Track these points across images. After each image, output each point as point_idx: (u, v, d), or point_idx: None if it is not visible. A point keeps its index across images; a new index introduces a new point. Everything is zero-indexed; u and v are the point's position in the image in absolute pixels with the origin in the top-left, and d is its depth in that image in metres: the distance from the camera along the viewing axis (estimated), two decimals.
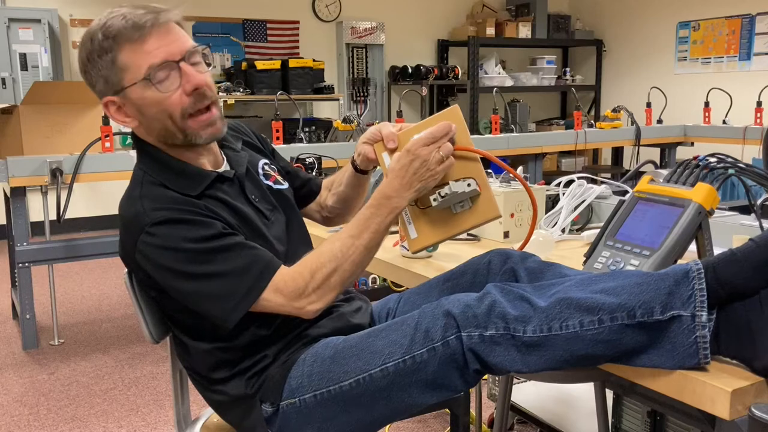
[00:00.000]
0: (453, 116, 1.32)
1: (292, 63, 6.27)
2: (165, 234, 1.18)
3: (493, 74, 7.25)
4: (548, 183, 1.96)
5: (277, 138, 3.82)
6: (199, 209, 1.21)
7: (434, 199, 1.31)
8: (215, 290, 1.19)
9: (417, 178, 1.25)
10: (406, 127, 1.36)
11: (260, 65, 6.17)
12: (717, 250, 1.17)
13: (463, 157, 1.32)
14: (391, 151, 1.35)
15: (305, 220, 1.54)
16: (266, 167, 1.44)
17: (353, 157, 1.49)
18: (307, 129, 4.17)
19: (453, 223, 1.33)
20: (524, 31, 7.40)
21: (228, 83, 6.12)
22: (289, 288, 1.20)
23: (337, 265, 1.22)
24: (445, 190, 1.30)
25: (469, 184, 1.29)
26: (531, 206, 1.79)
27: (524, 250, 1.42)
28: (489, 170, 1.48)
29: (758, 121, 4.85)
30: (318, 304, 1.22)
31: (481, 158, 1.33)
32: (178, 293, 1.22)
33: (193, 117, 1.24)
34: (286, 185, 1.46)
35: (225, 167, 1.35)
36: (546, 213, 1.88)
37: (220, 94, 5.84)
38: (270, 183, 1.41)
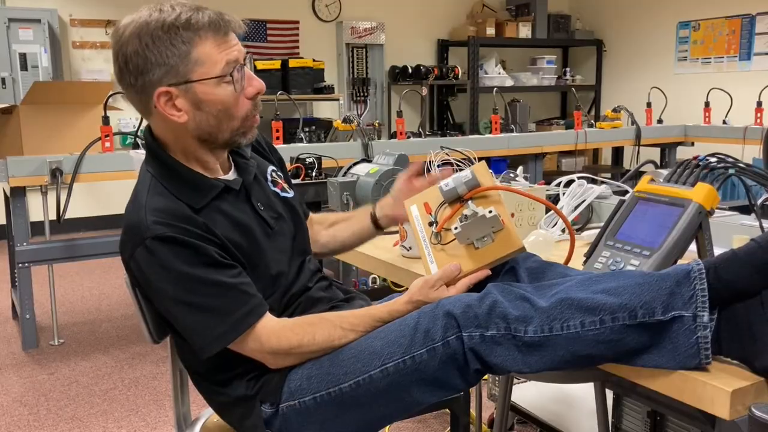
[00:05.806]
0: (482, 170, 1.36)
1: (292, 63, 6.27)
2: (161, 252, 1.17)
3: (493, 74, 7.24)
4: (548, 183, 1.95)
5: (277, 138, 3.82)
6: (199, 229, 1.20)
7: (455, 228, 1.28)
8: (194, 322, 1.20)
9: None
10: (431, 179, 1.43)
11: (260, 65, 6.16)
12: (717, 250, 1.17)
13: (485, 197, 1.32)
14: (423, 207, 1.38)
15: None
16: (274, 174, 1.45)
17: (375, 214, 1.54)
18: (307, 129, 4.17)
19: (476, 257, 1.28)
20: (524, 31, 7.40)
21: None
22: (271, 343, 1.21)
23: (326, 347, 1.24)
24: (466, 212, 1.27)
25: (490, 211, 1.25)
26: (531, 206, 1.79)
27: None
28: (489, 170, 1.47)
29: (758, 121, 4.85)
30: (288, 364, 1.25)
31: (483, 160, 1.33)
32: (162, 309, 1.24)
33: (246, 119, 1.26)
34: (292, 193, 1.46)
35: (232, 174, 1.34)
36: (546, 213, 1.88)
37: None
38: (277, 190, 1.42)
